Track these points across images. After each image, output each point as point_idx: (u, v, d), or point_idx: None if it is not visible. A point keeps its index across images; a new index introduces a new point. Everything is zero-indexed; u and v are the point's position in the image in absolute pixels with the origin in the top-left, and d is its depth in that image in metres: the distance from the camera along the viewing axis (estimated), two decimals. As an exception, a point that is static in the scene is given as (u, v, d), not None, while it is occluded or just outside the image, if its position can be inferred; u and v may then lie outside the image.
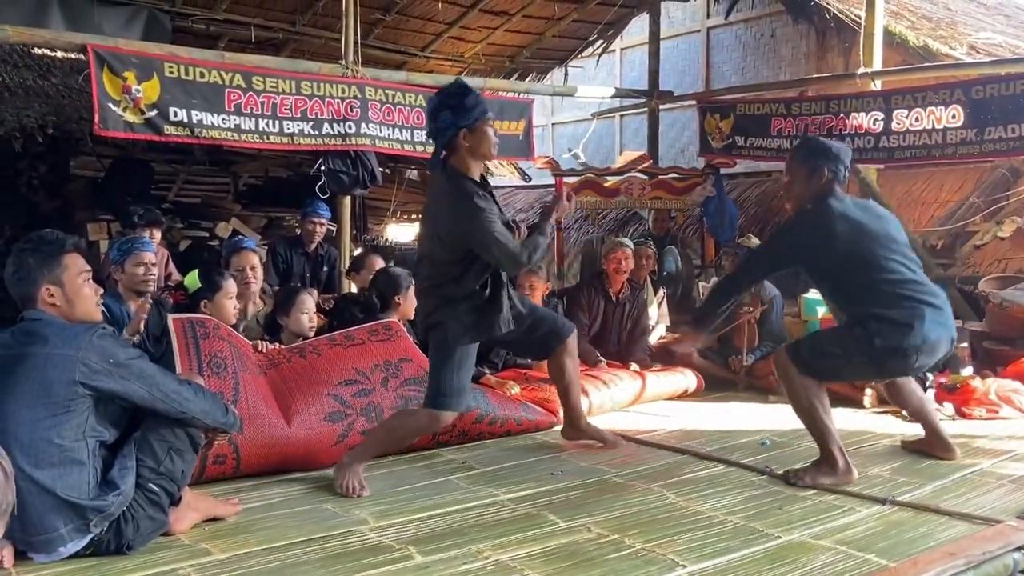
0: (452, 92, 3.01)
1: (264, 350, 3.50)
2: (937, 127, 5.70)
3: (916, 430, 3.80)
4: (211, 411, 2.46)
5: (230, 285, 3.60)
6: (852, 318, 3.08)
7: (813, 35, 8.04)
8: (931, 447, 3.39)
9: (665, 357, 5.45)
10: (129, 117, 4.92)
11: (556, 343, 3.42)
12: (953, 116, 5.62)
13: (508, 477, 3.21)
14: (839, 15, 7.36)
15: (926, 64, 6.58)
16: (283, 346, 3.61)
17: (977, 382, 4.11)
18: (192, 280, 3.50)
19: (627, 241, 5.38)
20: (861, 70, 6.17)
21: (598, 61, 9.30)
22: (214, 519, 2.68)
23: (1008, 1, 11.05)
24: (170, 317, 3.11)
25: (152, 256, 3.75)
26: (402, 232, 9.68)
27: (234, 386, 3.04)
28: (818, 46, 8.03)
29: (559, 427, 3.94)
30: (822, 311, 5.41)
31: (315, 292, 5.59)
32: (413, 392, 3.40)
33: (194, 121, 5.16)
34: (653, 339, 5.66)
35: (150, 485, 2.37)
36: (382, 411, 3.31)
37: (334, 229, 6.30)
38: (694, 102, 7.78)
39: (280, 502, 2.91)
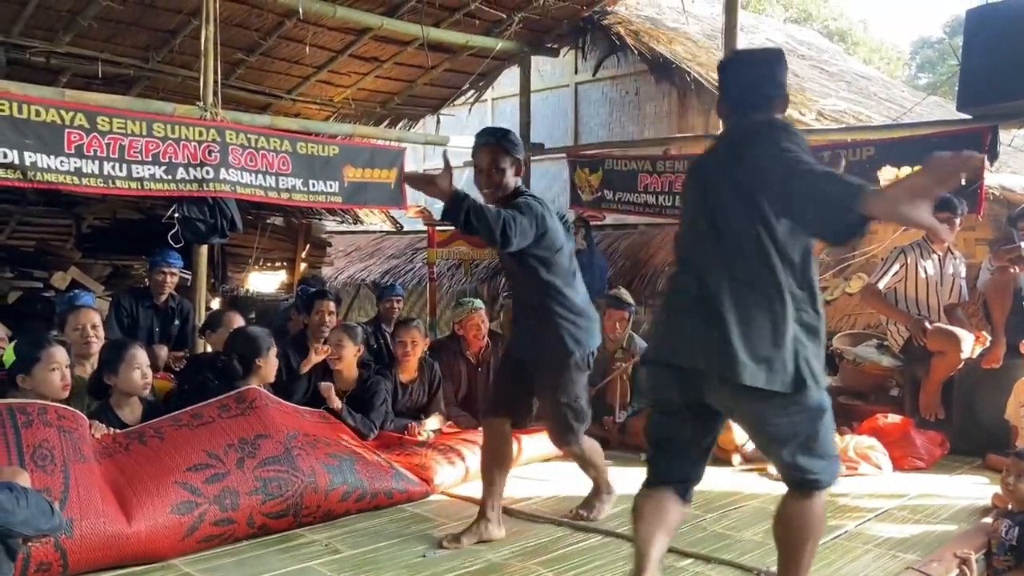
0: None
1: (98, 436, 3.09)
2: (791, 189, 5.99)
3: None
4: (33, 520, 2.11)
5: (52, 354, 3.12)
6: None
7: (675, 95, 8.38)
8: None
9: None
10: (-50, 158, 4.40)
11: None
12: (805, 179, 5.93)
13: (376, 561, 2.98)
14: (699, 78, 7.70)
15: (779, 129, 6.95)
16: (117, 431, 3.18)
17: (836, 439, 4.25)
18: (9, 355, 3.06)
19: (478, 303, 5.26)
20: (720, 132, 6.44)
21: (470, 110, 9.31)
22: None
23: (848, 68, 12.03)
24: (-18, 405, 2.68)
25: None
26: (265, 281, 9.20)
27: (63, 480, 2.66)
28: (679, 105, 8.37)
29: (433, 497, 3.77)
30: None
31: (165, 349, 5.17)
32: (272, 473, 3.10)
33: (27, 163, 4.66)
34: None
35: (-49, 603, 2.01)
36: (238, 496, 2.98)
37: (188, 278, 5.87)
38: (564, 155, 7.89)
39: (113, 604, 2.58)
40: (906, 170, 5.39)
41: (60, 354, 3.12)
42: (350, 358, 4.23)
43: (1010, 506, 3.14)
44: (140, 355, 3.51)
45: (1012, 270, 4.46)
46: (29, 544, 2.31)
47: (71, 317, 3.97)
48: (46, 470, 2.65)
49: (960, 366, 4.47)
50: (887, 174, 5.43)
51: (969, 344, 4.41)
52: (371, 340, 5.35)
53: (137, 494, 2.82)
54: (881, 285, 4.69)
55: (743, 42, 8.90)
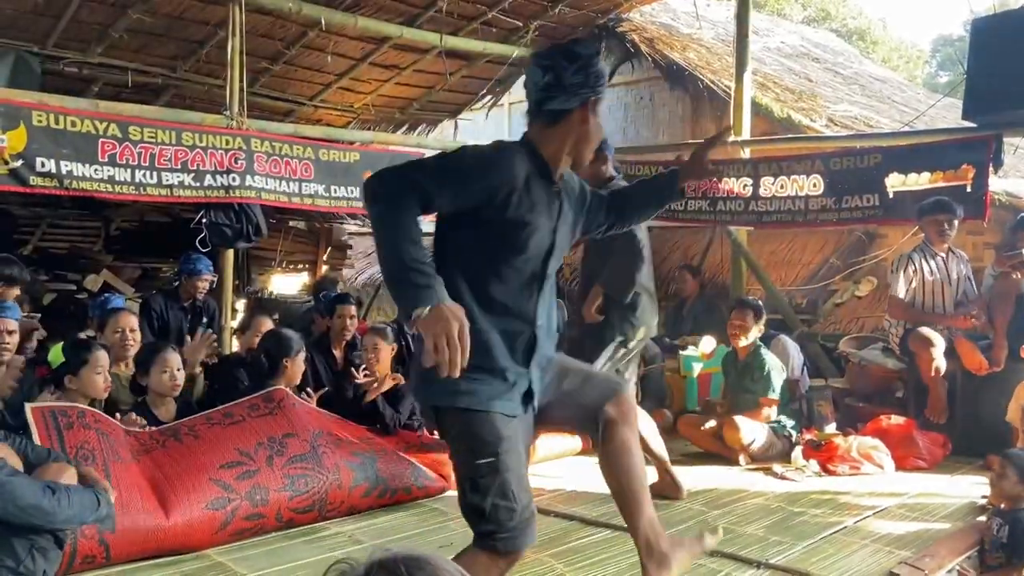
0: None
1: (135, 429, 3.28)
2: (800, 194, 6.10)
3: (788, 487, 4.04)
4: (77, 516, 2.30)
5: (98, 357, 3.34)
6: None
7: (688, 101, 8.50)
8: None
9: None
10: (-9, 167, 4.64)
11: None
12: (814, 184, 6.03)
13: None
14: (711, 85, 7.82)
15: (790, 136, 7.06)
16: (153, 428, 3.39)
17: (840, 439, 4.39)
18: (56, 354, 3.27)
19: None
20: (732, 138, 6.56)
21: (487, 115, 9.48)
22: (78, 615, 2.51)
23: (863, 71, 12.06)
24: (28, 407, 2.87)
25: (12, 324, 3.49)
26: (288, 283, 9.43)
27: (105, 479, 2.84)
28: (692, 111, 8.49)
29: (449, 493, 3.94)
30: (698, 367, 5.67)
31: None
32: (299, 470, 3.30)
33: (63, 172, 4.90)
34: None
35: (7, 586, 2.20)
36: (268, 492, 3.18)
37: (215, 280, 6.10)
38: (579, 160, 8.01)
39: (152, 590, 2.77)
40: (913, 177, 5.50)
41: (104, 357, 3.35)
42: (387, 359, 4.43)
43: (1002, 505, 3.27)
44: (170, 359, 3.72)
45: (1015, 276, 4.57)
46: (75, 535, 2.51)
47: (111, 320, 4.19)
48: (88, 470, 2.83)
49: (936, 369, 4.57)
50: (893, 180, 5.53)
51: (941, 349, 4.53)
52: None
53: (174, 490, 3.01)
54: (901, 294, 4.79)
55: (757, 46, 9.00)
